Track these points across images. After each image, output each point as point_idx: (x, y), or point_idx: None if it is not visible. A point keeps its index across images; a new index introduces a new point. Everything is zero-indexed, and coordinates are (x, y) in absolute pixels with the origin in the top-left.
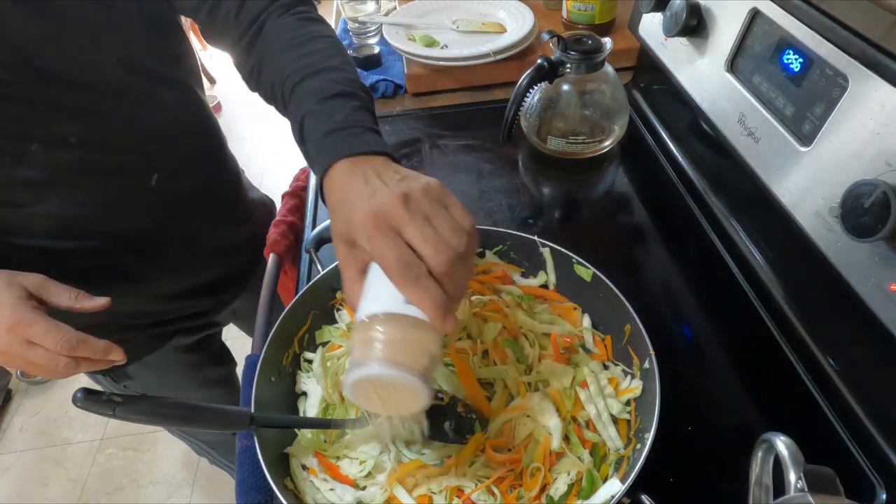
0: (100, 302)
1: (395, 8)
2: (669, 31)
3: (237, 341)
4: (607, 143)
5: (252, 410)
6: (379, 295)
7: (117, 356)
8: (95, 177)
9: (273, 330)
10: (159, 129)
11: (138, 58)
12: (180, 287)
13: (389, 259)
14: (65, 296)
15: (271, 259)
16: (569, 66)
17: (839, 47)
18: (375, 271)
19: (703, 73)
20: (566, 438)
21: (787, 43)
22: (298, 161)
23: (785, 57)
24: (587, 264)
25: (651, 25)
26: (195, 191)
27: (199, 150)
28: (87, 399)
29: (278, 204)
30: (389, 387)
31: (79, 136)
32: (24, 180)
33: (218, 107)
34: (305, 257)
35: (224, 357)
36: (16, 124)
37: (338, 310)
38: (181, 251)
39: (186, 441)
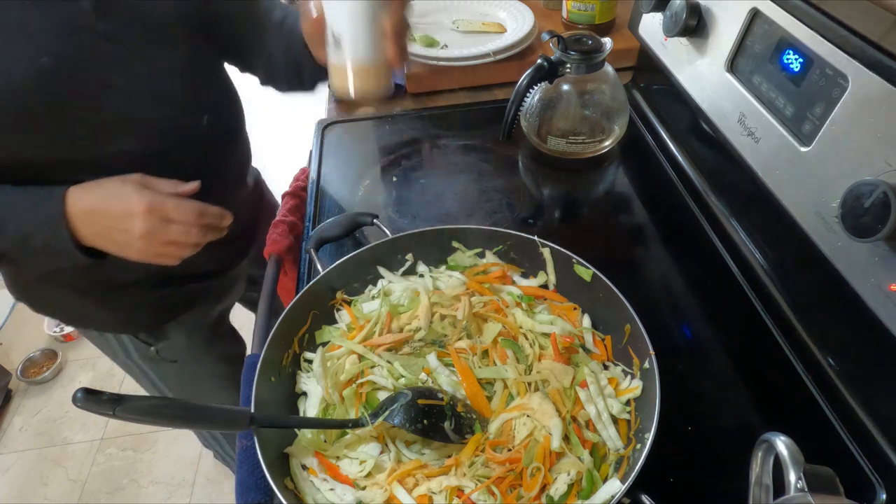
0: (194, 185)
1: None
2: (669, 31)
3: (240, 332)
4: (607, 143)
5: (252, 410)
6: None
7: (228, 219)
8: (163, 114)
9: (273, 330)
10: (202, 73)
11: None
12: None
13: None
14: (167, 185)
15: (271, 259)
16: (569, 66)
17: (839, 47)
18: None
19: (703, 73)
20: (566, 438)
21: (787, 43)
22: (298, 161)
23: (785, 57)
24: (587, 264)
25: (651, 25)
26: (231, 138)
27: (228, 98)
28: (87, 399)
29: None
30: None
31: (147, 75)
32: (113, 113)
33: None
34: (305, 257)
35: (235, 337)
36: (108, 60)
37: (338, 310)
38: (216, 199)
39: (195, 430)
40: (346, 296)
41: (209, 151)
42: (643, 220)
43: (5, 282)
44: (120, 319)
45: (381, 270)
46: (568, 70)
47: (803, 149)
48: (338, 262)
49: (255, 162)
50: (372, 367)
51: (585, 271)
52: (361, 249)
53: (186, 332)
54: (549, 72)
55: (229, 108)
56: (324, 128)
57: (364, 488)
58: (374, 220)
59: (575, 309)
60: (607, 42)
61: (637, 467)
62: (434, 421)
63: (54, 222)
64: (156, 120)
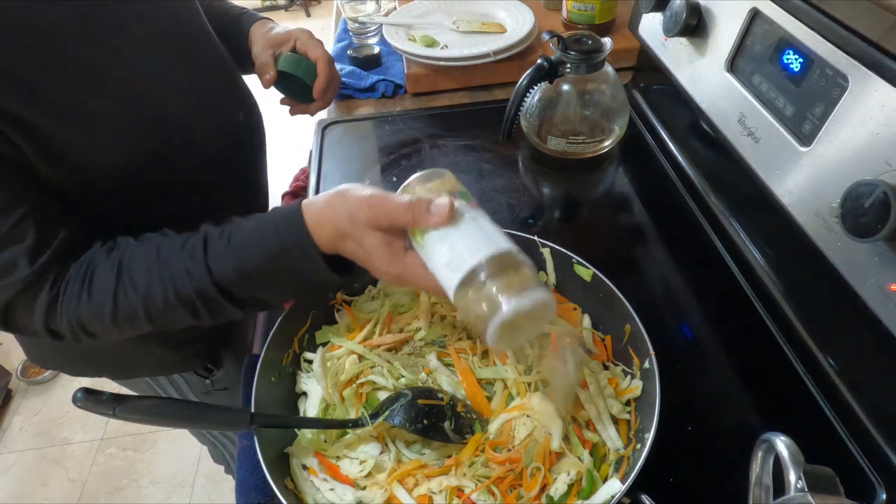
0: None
1: (395, 8)
2: (669, 31)
3: None
4: (607, 143)
5: (252, 410)
6: (453, 260)
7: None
8: (206, 111)
9: (273, 330)
10: (235, 76)
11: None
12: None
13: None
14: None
15: None
16: (569, 66)
17: (839, 47)
18: (430, 248)
19: (703, 73)
20: (566, 438)
21: (787, 43)
22: (298, 161)
23: (785, 57)
24: (587, 264)
25: (651, 25)
26: (261, 134)
27: (253, 100)
28: (87, 399)
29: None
30: (523, 315)
31: (191, 82)
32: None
33: None
34: None
35: None
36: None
37: (338, 310)
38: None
39: (208, 445)
40: (346, 296)
41: (248, 149)
42: (643, 220)
43: (40, 360)
44: (181, 357)
45: None
46: (568, 70)
47: (803, 149)
48: None
49: None
50: (372, 367)
51: (585, 271)
52: None
53: (236, 357)
54: (549, 72)
55: (252, 102)
56: (324, 128)
57: (364, 488)
58: None
59: (575, 309)
60: (607, 42)
61: (637, 467)
62: (434, 421)
63: (305, 248)
64: (202, 115)
